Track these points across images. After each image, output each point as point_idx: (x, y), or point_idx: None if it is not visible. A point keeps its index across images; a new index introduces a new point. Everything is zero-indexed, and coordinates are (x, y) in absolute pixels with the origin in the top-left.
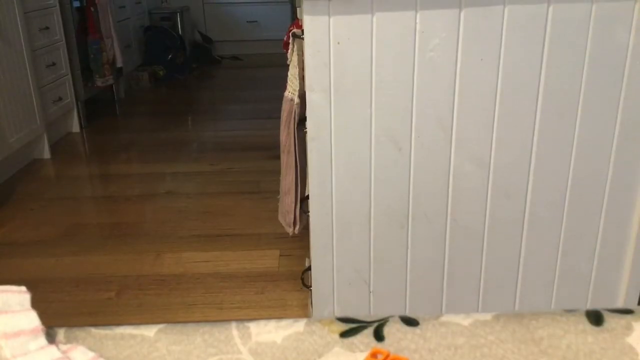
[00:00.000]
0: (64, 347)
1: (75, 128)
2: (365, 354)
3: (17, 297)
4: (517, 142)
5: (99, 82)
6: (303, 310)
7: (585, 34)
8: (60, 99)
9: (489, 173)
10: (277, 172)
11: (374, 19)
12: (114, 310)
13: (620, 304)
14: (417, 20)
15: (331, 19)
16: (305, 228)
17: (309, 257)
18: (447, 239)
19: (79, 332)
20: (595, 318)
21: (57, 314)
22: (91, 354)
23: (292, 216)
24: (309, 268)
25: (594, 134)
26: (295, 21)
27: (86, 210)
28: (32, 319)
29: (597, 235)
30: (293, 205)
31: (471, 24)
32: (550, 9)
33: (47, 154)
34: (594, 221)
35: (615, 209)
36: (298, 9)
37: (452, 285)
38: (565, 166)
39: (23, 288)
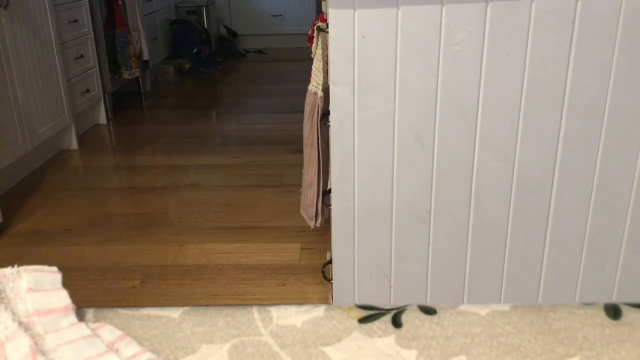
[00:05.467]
0: (92, 325)
1: (102, 120)
2: (384, 339)
3: (49, 276)
4: (542, 139)
5: (126, 75)
6: (323, 303)
7: (615, 28)
8: (87, 90)
9: (513, 169)
10: (299, 166)
11: (399, 13)
12: (138, 298)
13: None
14: (443, 14)
15: (356, 13)
16: (327, 221)
17: (330, 250)
18: (469, 235)
19: (107, 312)
20: (614, 311)
21: (82, 302)
22: (119, 333)
23: (314, 209)
24: (330, 261)
25: (622, 130)
26: (320, 15)
27: (112, 200)
28: (63, 298)
29: (623, 234)
30: (315, 198)
31: (498, 17)
32: (579, 3)
33: (74, 145)
34: (620, 219)
35: None
36: (323, 2)
37: (474, 283)
38: (591, 163)
39: (55, 268)
